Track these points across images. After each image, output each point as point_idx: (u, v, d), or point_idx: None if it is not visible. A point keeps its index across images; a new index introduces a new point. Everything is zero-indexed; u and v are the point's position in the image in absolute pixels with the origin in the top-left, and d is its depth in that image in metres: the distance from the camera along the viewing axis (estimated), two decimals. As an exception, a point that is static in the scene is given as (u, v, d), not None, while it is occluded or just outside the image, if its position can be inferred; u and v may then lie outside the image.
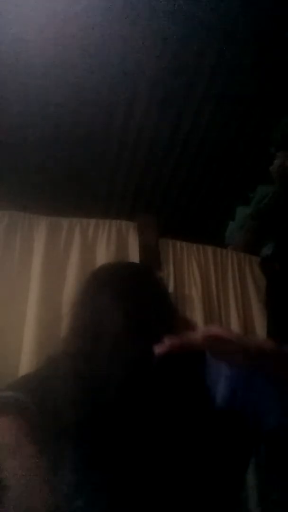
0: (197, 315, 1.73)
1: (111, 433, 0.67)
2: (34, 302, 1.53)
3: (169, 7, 1.40)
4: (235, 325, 1.78)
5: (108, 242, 1.74)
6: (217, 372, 0.73)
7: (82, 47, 1.51)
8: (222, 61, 1.58)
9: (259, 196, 2.02)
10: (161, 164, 1.98)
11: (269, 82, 1.67)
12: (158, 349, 0.63)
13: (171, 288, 1.75)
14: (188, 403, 0.71)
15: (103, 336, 0.73)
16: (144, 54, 1.53)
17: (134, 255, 1.74)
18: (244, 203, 2.12)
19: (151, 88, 1.65)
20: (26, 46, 1.49)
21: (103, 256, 1.70)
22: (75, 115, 1.74)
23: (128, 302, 0.74)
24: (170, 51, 1.53)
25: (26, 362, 1.40)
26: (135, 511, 0.65)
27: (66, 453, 0.64)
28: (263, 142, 1.90)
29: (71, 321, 0.81)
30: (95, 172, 2.00)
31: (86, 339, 0.74)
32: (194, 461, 0.68)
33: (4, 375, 1.37)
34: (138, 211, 2.01)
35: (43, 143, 1.85)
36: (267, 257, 1.98)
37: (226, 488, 0.73)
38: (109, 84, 1.63)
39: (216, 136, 1.89)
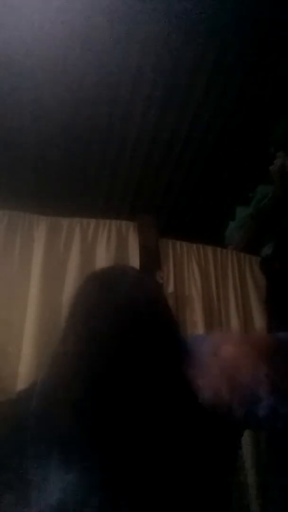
0: (197, 315, 1.73)
1: (106, 434, 0.67)
2: (34, 302, 1.53)
3: (170, 7, 1.40)
4: (235, 325, 1.78)
5: (108, 242, 1.74)
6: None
7: (82, 46, 1.51)
8: (222, 61, 1.58)
9: (259, 196, 2.02)
10: (161, 164, 1.98)
11: (269, 82, 1.67)
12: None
13: (171, 288, 1.75)
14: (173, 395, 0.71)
15: (97, 340, 0.73)
16: (144, 54, 1.54)
17: (134, 255, 1.75)
18: (244, 203, 2.12)
19: (151, 88, 1.65)
20: (26, 46, 1.49)
21: (103, 256, 1.70)
22: (75, 115, 1.74)
23: (122, 309, 0.73)
24: (170, 51, 1.53)
25: (26, 362, 1.41)
26: (126, 506, 0.66)
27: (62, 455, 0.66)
28: (263, 142, 1.90)
29: (68, 322, 0.81)
30: (95, 172, 2.00)
31: (82, 342, 0.74)
32: (179, 453, 0.68)
33: (4, 375, 1.37)
34: (138, 211, 2.01)
35: (43, 143, 1.85)
36: (267, 257, 1.98)
37: (214, 477, 0.72)
38: (109, 84, 1.63)
39: (216, 136, 1.89)
